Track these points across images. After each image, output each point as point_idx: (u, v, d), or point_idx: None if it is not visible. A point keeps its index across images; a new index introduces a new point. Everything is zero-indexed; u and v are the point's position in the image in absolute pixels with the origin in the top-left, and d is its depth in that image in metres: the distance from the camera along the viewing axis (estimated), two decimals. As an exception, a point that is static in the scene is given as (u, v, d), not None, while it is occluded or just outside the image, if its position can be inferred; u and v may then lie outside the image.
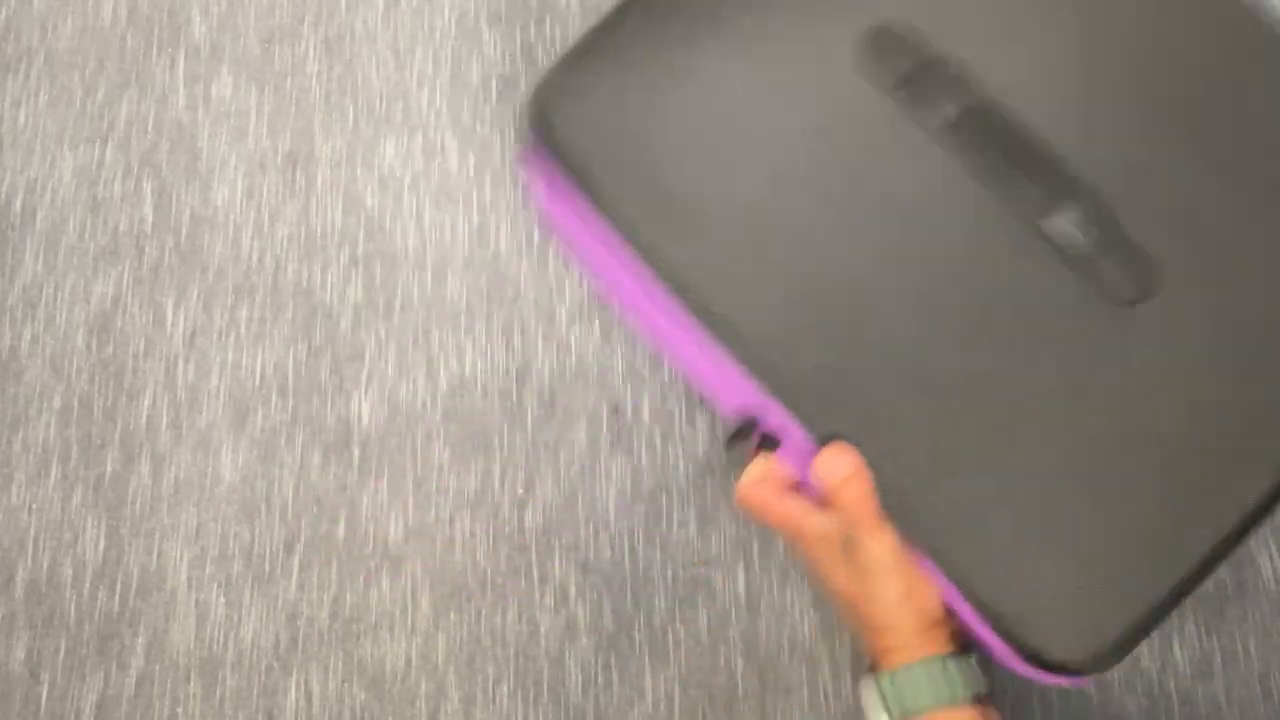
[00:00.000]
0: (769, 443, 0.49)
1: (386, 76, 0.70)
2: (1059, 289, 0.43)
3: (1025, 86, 0.44)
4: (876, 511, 0.45)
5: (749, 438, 0.51)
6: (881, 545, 0.45)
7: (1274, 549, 0.60)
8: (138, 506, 0.63)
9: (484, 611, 0.61)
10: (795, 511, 0.48)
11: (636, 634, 0.60)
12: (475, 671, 0.60)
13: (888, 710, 0.45)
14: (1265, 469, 0.42)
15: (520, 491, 0.63)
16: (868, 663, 0.49)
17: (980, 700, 0.46)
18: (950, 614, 0.46)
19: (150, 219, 0.68)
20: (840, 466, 0.45)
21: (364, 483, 0.63)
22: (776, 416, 0.47)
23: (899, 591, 0.45)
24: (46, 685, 0.60)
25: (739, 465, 0.50)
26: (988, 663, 0.48)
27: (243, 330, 0.66)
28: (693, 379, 0.58)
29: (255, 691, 0.60)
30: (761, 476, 0.49)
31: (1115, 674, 0.59)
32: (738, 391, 0.48)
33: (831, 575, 0.47)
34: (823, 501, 0.47)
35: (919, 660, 0.45)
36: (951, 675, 0.45)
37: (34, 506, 0.63)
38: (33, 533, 0.63)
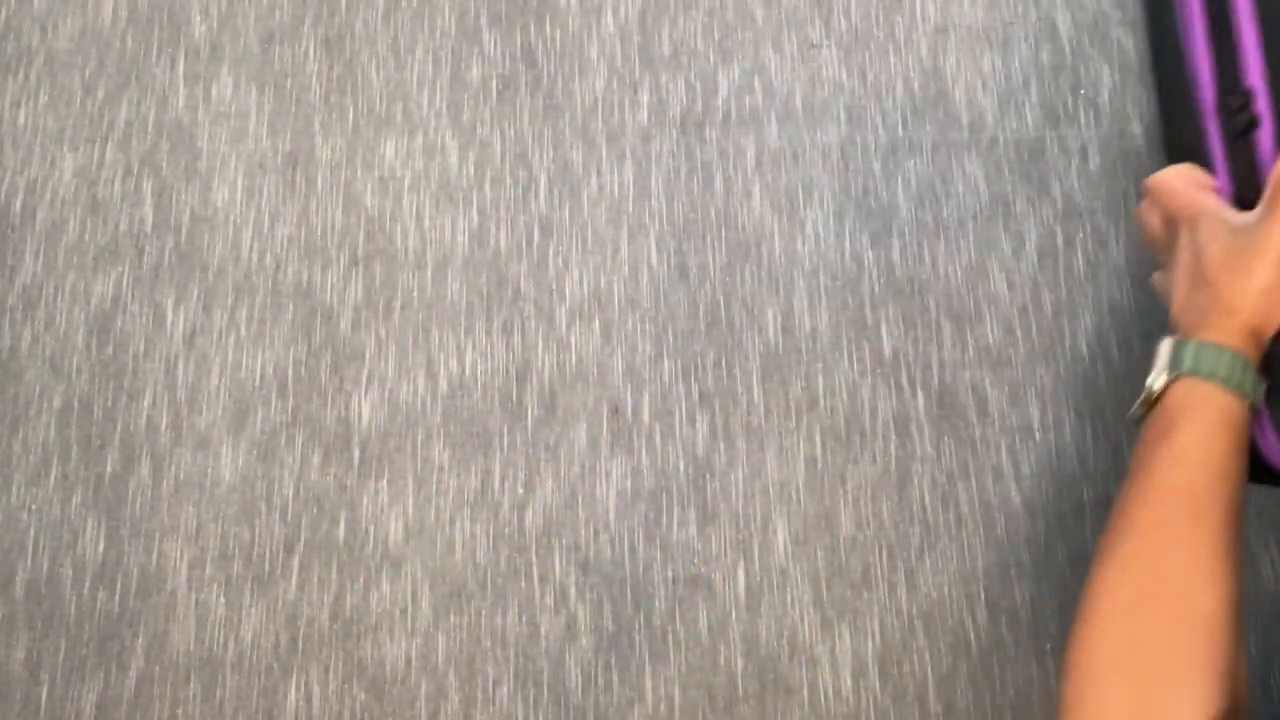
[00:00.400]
0: (1251, 122, 0.56)
1: (386, 76, 0.70)
2: None
3: None
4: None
5: (1246, 110, 0.56)
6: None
7: (1274, 549, 0.60)
8: (138, 507, 0.63)
9: (484, 612, 0.61)
10: (1199, 194, 0.53)
11: (636, 634, 0.60)
12: (475, 672, 0.60)
13: (1171, 369, 0.48)
14: None
15: (520, 491, 0.62)
16: (1172, 326, 0.50)
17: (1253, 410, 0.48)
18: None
19: (150, 219, 0.68)
20: None
21: (364, 483, 0.63)
22: (1263, 102, 0.53)
23: (1268, 280, 0.48)
24: (46, 685, 0.60)
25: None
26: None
27: (243, 330, 0.66)
28: (1198, 58, 0.62)
29: (255, 692, 0.60)
30: (1180, 172, 0.54)
31: (1115, 674, 0.59)
32: (1244, 70, 0.55)
33: (1207, 246, 0.50)
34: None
35: (1232, 347, 0.47)
36: (1250, 377, 0.47)
37: (34, 507, 0.63)
38: (33, 533, 0.63)
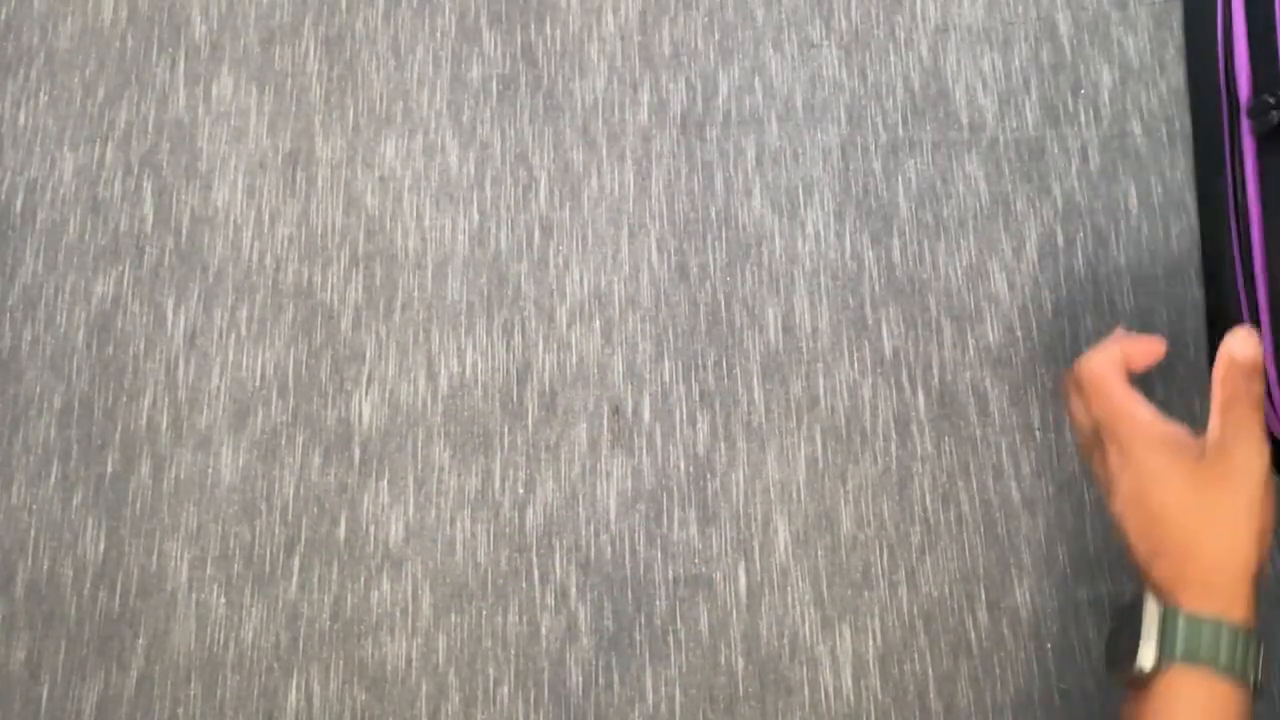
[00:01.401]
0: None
1: (386, 76, 0.70)
2: None
3: None
4: (1260, 416, 0.40)
5: (1277, 109, 0.49)
6: (1262, 457, 0.39)
7: (1274, 549, 0.60)
8: (138, 507, 0.63)
9: (484, 612, 0.61)
10: (1129, 398, 0.42)
11: (637, 634, 0.60)
12: (476, 672, 0.60)
13: (1162, 646, 0.40)
14: None
15: (520, 492, 0.63)
16: (1148, 586, 0.42)
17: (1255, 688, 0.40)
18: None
19: (150, 219, 0.68)
20: (1247, 345, 0.41)
21: (364, 483, 0.63)
22: None
23: (1256, 527, 0.39)
24: (47, 686, 0.60)
25: None
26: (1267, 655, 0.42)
27: (243, 330, 0.66)
28: (1238, 57, 0.58)
29: (255, 692, 0.60)
30: (1112, 359, 0.44)
31: (1116, 674, 0.59)
32: None
33: (1155, 490, 0.41)
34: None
35: (1231, 620, 0.39)
36: (1248, 651, 0.39)
37: (34, 507, 0.63)
38: (33, 533, 0.63)
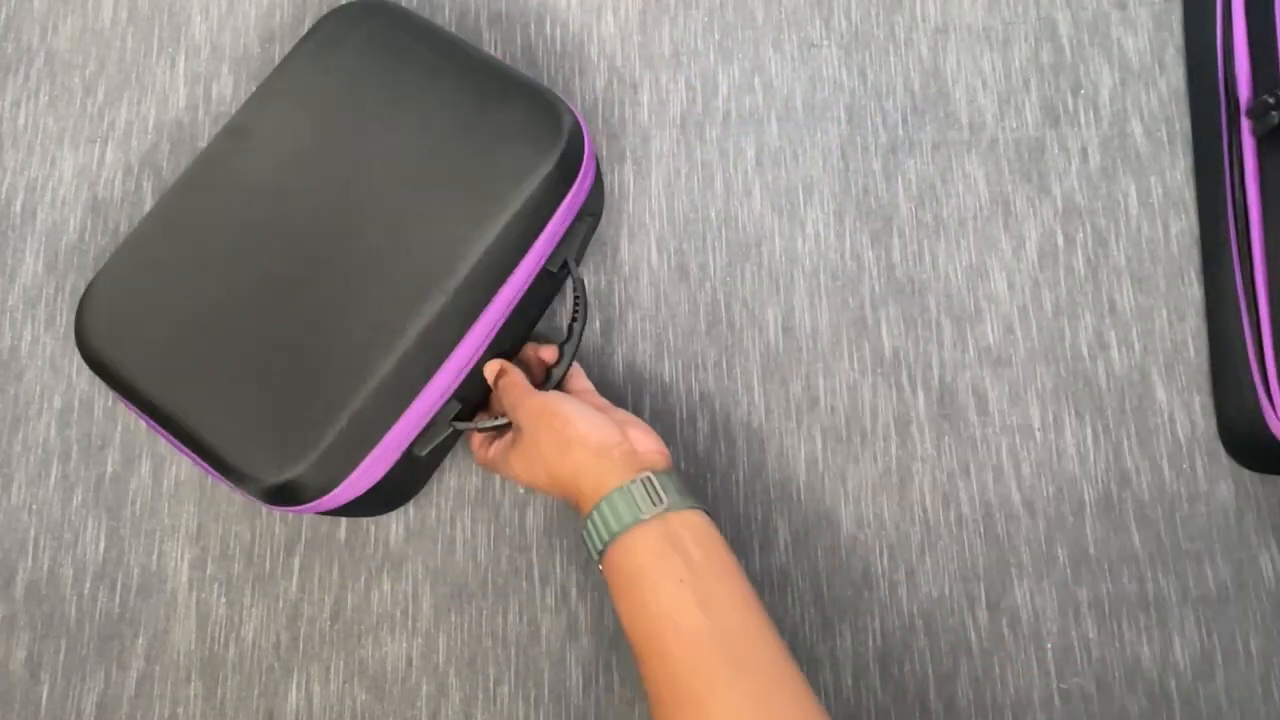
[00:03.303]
0: None
1: (387, 76, 0.70)
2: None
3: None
4: (525, 389, 0.55)
5: (1277, 109, 0.58)
6: (522, 407, 0.54)
7: (1274, 549, 0.60)
8: (138, 507, 0.63)
9: (485, 612, 0.61)
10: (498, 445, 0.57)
11: (637, 634, 0.60)
12: (476, 672, 0.60)
13: (596, 550, 0.49)
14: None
15: (521, 491, 0.62)
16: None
17: (682, 510, 0.49)
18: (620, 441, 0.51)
19: (150, 219, 0.68)
20: (490, 367, 0.57)
21: (364, 483, 0.63)
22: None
23: (552, 444, 0.51)
24: (47, 686, 0.60)
25: None
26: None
27: (243, 330, 0.66)
28: (1238, 58, 0.63)
29: (256, 692, 0.60)
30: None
31: (1116, 674, 0.59)
32: None
33: (523, 467, 0.54)
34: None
35: (603, 496, 0.49)
36: (631, 497, 0.48)
37: (34, 507, 0.63)
38: (33, 533, 0.63)
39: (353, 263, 0.54)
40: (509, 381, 0.56)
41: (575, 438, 0.51)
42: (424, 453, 0.56)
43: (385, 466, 0.54)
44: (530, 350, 0.61)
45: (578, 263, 0.60)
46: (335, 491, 0.52)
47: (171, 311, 0.54)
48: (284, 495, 0.51)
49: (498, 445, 0.57)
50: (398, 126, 0.56)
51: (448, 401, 0.56)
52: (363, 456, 0.53)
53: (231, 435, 0.51)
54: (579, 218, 0.59)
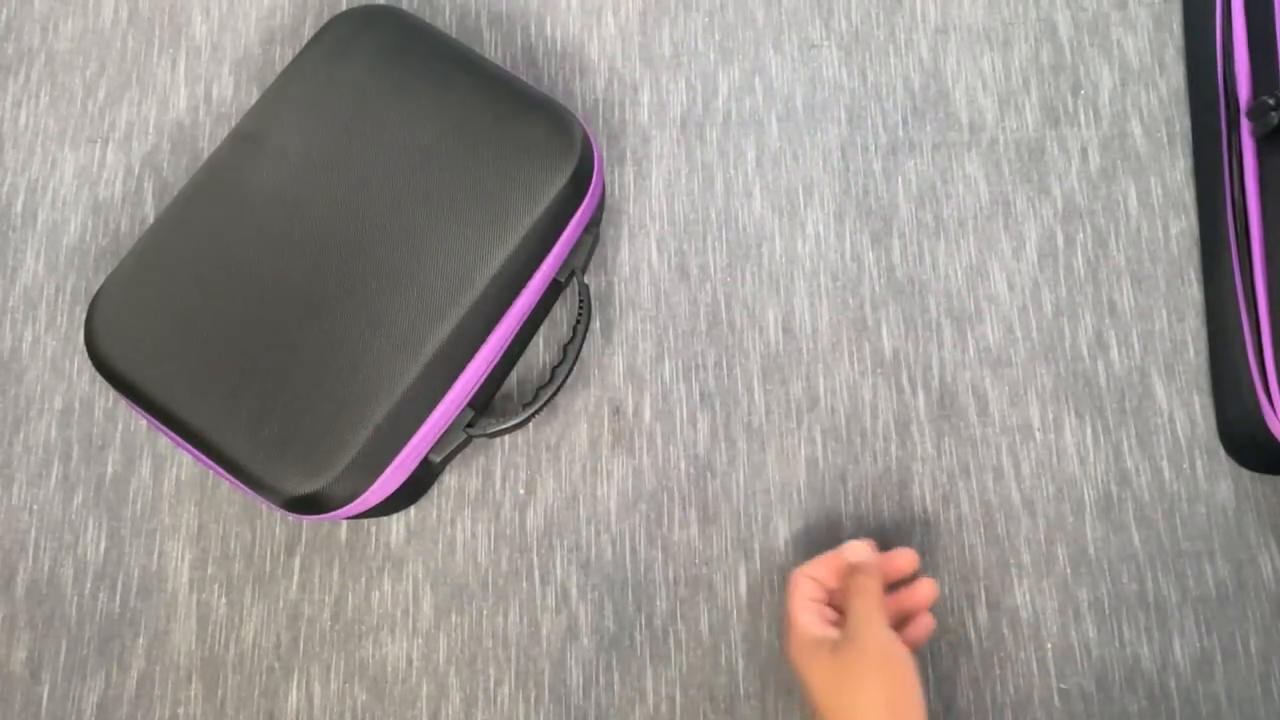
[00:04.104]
0: None
1: (387, 77, 0.70)
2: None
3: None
4: (880, 605, 0.50)
5: (1277, 110, 0.57)
6: (878, 639, 0.48)
7: (1274, 549, 0.60)
8: (139, 507, 0.63)
9: (485, 612, 0.61)
10: (797, 610, 0.52)
11: (638, 634, 0.60)
12: (476, 672, 0.60)
13: None
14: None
15: (521, 492, 0.63)
16: None
17: None
18: None
19: (150, 219, 0.68)
20: (859, 551, 0.53)
21: (365, 483, 0.63)
22: None
23: (883, 697, 0.46)
24: (47, 686, 0.60)
25: None
26: None
27: (243, 331, 0.66)
28: (1238, 59, 0.63)
29: (256, 692, 0.60)
30: (804, 573, 0.54)
31: (1116, 674, 0.59)
32: None
33: (808, 678, 0.49)
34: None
35: None
36: None
37: (35, 507, 0.63)
38: (34, 533, 0.63)
39: (373, 276, 0.54)
40: (865, 588, 0.51)
41: (902, 712, 0.46)
42: (439, 459, 0.56)
43: (404, 475, 0.55)
44: (889, 560, 0.55)
45: (584, 272, 0.61)
46: (357, 501, 0.53)
47: (187, 321, 0.54)
48: (309, 505, 0.52)
49: (817, 635, 0.51)
50: (412, 139, 0.56)
51: (462, 410, 0.56)
52: (385, 466, 0.53)
53: (256, 447, 0.52)
54: (586, 229, 0.60)
